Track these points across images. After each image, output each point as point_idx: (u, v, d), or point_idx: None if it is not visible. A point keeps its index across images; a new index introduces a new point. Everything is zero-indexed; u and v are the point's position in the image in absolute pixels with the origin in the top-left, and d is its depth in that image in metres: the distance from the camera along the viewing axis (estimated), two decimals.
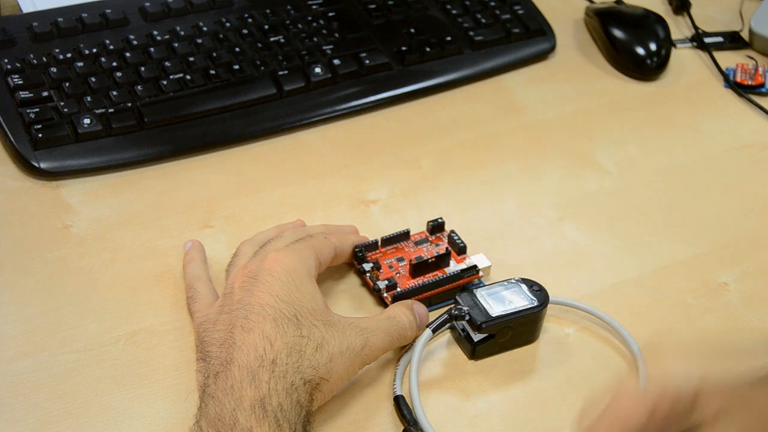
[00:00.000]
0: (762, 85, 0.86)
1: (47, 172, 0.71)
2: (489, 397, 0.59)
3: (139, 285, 0.64)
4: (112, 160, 0.73)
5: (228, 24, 0.83)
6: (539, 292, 0.61)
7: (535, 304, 0.60)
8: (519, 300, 0.60)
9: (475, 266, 0.64)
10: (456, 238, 0.66)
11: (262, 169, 0.75)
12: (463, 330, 0.60)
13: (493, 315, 0.59)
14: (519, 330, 0.60)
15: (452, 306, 0.60)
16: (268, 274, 0.57)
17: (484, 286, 0.61)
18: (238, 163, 0.75)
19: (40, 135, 0.71)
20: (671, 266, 0.68)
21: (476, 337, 0.60)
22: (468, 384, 0.60)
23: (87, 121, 0.73)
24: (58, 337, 0.60)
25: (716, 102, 0.86)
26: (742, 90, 0.86)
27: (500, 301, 0.60)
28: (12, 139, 0.72)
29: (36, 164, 0.71)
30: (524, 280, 0.61)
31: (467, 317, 0.59)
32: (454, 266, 0.65)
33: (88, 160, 0.72)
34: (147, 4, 0.83)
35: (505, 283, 0.61)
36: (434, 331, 0.59)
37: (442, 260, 0.64)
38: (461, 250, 0.65)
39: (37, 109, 0.73)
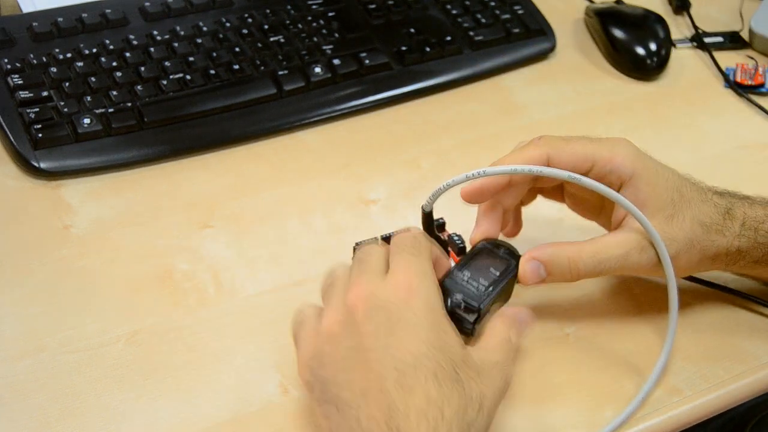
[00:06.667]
0: (762, 85, 0.86)
1: (47, 172, 0.71)
2: None
3: (139, 285, 0.64)
4: (112, 160, 0.73)
5: (228, 24, 0.83)
6: (506, 250, 0.60)
7: (513, 263, 0.59)
8: (496, 264, 0.59)
9: None
10: (456, 239, 0.66)
11: (262, 169, 0.75)
12: (454, 313, 0.57)
13: (486, 293, 0.57)
14: (505, 294, 0.59)
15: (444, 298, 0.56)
16: (406, 307, 0.49)
17: (456, 265, 0.58)
18: (238, 163, 0.75)
19: (40, 135, 0.71)
20: None
21: (471, 317, 0.57)
22: None
23: (87, 121, 0.73)
24: (58, 337, 0.60)
25: (716, 102, 0.86)
26: (742, 90, 0.86)
27: (481, 273, 0.58)
28: (12, 139, 0.72)
29: (36, 164, 0.71)
30: (487, 242, 0.60)
31: (463, 305, 0.56)
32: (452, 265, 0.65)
33: (88, 160, 0.72)
34: (147, 4, 0.83)
35: (473, 254, 0.60)
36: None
37: None
38: (460, 251, 0.65)
39: (37, 109, 0.73)
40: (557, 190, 0.64)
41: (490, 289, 0.57)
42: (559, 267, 0.57)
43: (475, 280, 0.57)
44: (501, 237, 0.63)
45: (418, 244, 0.54)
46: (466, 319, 0.56)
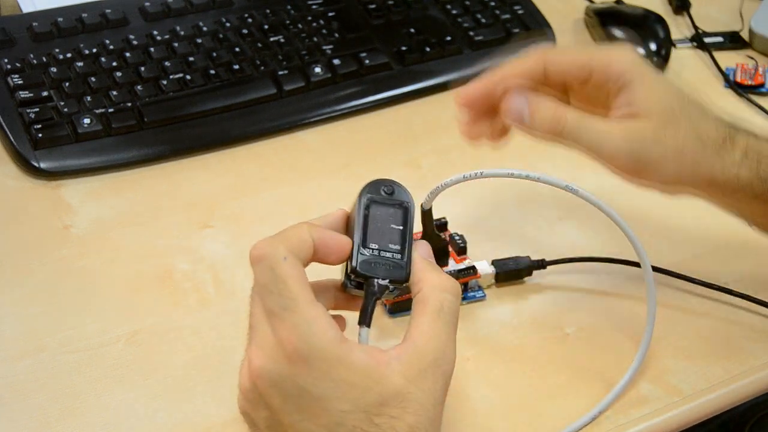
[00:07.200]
0: (762, 85, 0.86)
1: (47, 172, 0.71)
2: (488, 396, 0.59)
3: (139, 285, 0.64)
4: (112, 160, 0.73)
5: (228, 24, 0.83)
6: (387, 191, 0.53)
7: (405, 202, 0.53)
8: (391, 215, 0.52)
9: (473, 267, 0.64)
10: (457, 238, 0.66)
11: (262, 169, 0.75)
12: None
13: (403, 258, 0.50)
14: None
15: (367, 285, 0.50)
16: (302, 379, 0.45)
17: (357, 237, 0.50)
18: (238, 163, 0.75)
19: (40, 135, 0.71)
20: (671, 266, 0.67)
21: (401, 286, 0.51)
22: (466, 384, 0.60)
23: (87, 120, 0.73)
24: (58, 337, 0.60)
25: (716, 102, 0.84)
26: (742, 90, 0.86)
27: (385, 236, 0.51)
28: (12, 139, 0.72)
29: (36, 164, 0.71)
30: (366, 194, 0.53)
31: (391, 287, 0.50)
32: (452, 266, 0.65)
33: (88, 160, 0.72)
34: (147, 4, 0.83)
35: (361, 211, 0.52)
36: (369, 324, 0.49)
37: (439, 259, 0.64)
38: (461, 250, 0.65)
39: (37, 109, 0.73)
40: (561, 91, 0.61)
41: (404, 249, 0.51)
42: (544, 113, 0.57)
43: (385, 249, 0.50)
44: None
45: (278, 282, 0.46)
46: (397, 291, 0.51)
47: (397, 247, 0.50)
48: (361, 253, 0.50)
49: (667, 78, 0.58)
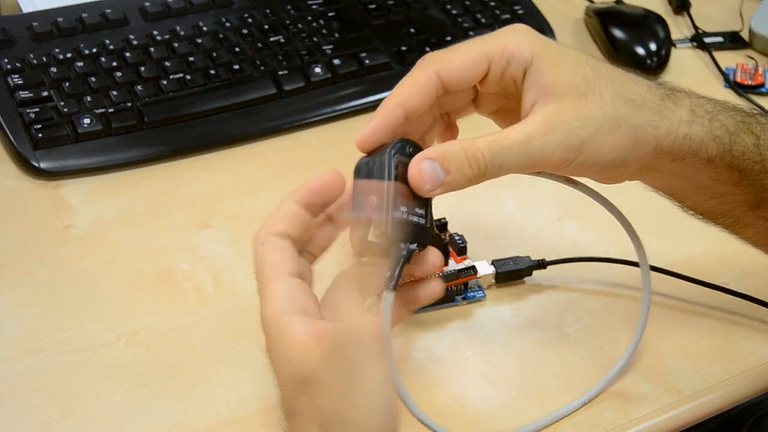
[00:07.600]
0: (762, 85, 0.86)
1: (47, 172, 0.71)
2: (488, 396, 0.59)
3: (139, 285, 0.64)
4: (112, 160, 0.73)
5: (228, 24, 0.83)
6: (419, 149, 0.50)
7: None
8: None
9: (473, 267, 0.64)
10: (457, 238, 0.66)
11: (262, 169, 0.75)
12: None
13: (427, 220, 0.50)
14: None
15: (397, 249, 0.49)
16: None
17: (389, 198, 0.49)
18: (238, 163, 0.75)
19: (40, 135, 0.71)
20: (670, 266, 0.67)
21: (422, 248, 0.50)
22: (466, 384, 0.60)
23: (87, 120, 0.73)
24: (58, 337, 0.60)
25: None
26: (742, 90, 0.86)
27: (412, 198, 0.49)
28: (12, 139, 0.72)
29: (36, 164, 0.71)
30: (395, 150, 0.50)
31: (418, 250, 0.49)
32: (452, 266, 0.65)
33: (88, 160, 0.72)
34: (147, 4, 0.83)
35: (391, 171, 0.49)
36: (395, 288, 0.48)
37: None
38: (461, 250, 0.65)
39: (37, 109, 0.73)
40: (467, 104, 0.56)
41: (428, 212, 0.50)
42: (457, 162, 0.49)
43: (413, 212, 0.49)
44: None
45: (257, 263, 0.49)
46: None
47: (422, 211, 0.50)
48: (393, 216, 0.48)
49: (574, 49, 0.52)
